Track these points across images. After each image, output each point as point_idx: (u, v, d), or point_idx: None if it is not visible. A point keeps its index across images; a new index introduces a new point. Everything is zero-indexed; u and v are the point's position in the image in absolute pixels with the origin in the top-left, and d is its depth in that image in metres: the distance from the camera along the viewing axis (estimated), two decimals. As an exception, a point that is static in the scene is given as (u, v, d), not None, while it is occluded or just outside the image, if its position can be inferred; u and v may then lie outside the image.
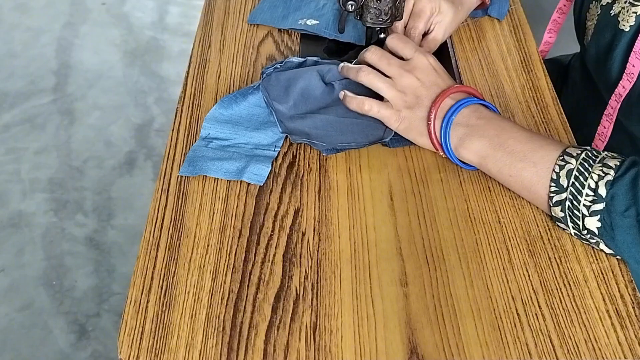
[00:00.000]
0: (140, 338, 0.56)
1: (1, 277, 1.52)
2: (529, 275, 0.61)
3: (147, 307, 0.58)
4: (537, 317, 0.58)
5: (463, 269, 0.61)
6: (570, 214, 0.61)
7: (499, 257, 0.63)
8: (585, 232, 0.61)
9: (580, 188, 0.60)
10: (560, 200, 0.61)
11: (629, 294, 0.59)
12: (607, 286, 0.60)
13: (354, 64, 0.72)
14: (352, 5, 0.74)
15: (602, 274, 0.61)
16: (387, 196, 0.68)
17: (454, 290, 0.60)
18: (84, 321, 1.45)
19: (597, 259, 0.62)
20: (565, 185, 0.61)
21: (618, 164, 0.60)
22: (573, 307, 0.59)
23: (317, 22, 0.89)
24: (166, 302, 0.58)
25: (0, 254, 1.57)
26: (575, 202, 0.60)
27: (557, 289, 0.60)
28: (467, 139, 0.66)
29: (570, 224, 0.62)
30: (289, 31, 0.89)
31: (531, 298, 0.59)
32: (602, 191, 0.59)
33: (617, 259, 0.62)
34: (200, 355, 0.55)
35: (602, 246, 0.61)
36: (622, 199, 0.58)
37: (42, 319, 1.45)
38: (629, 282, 0.60)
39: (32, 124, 1.91)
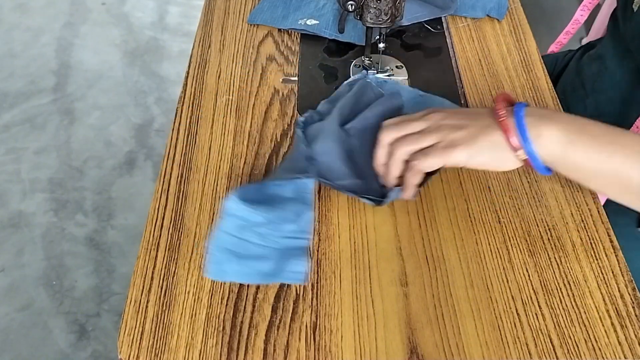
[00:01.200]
0: (140, 338, 0.56)
1: (1, 277, 1.52)
2: (529, 275, 0.61)
3: (147, 307, 0.58)
4: (537, 317, 0.58)
5: (463, 269, 0.61)
6: None
7: (499, 257, 0.63)
8: None
9: None
10: None
11: (629, 294, 0.59)
12: (607, 286, 0.60)
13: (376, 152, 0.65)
14: (352, 5, 0.74)
15: (602, 274, 0.61)
16: (387, 196, 0.68)
17: (454, 290, 0.60)
18: (84, 321, 1.45)
19: (597, 259, 0.62)
20: None
21: None
22: (573, 307, 0.59)
23: (317, 22, 0.89)
24: (166, 302, 0.58)
25: (0, 254, 1.57)
26: None
27: (557, 289, 0.60)
28: (544, 127, 0.58)
29: None
30: (289, 31, 0.89)
31: (531, 298, 0.59)
32: None
33: (617, 258, 0.62)
34: (200, 355, 0.55)
35: None
36: None
37: (42, 319, 1.45)
38: (629, 282, 0.60)
39: (32, 124, 1.91)
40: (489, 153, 0.60)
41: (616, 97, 0.85)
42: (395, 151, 0.62)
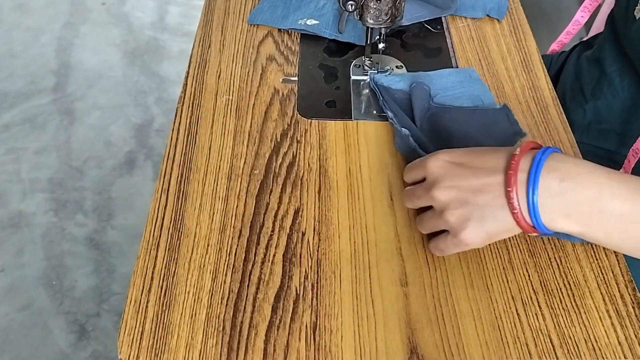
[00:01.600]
0: (140, 338, 0.56)
1: (1, 277, 1.52)
2: (529, 275, 0.61)
3: (147, 307, 0.58)
4: (537, 317, 0.58)
5: (463, 269, 0.61)
6: None
7: (499, 257, 0.63)
8: None
9: None
10: None
11: (629, 294, 0.59)
12: (607, 286, 0.60)
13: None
14: (352, 5, 0.74)
15: (602, 274, 0.61)
16: (387, 196, 0.68)
17: (454, 290, 0.60)
18: (84, 321, 1.45)
19: (597, 259, 0.62)
20: None
21: None
22: (573, 307, 0.59)
23: (317, 22, 0.89)
24: (166, 302, 0.58)
25: (0, 254, 1.57)
26: None
27: (557, 289, 0.60)
28: (559, 212, 0.54)
29: None
30: (289, 31, 0.89)
31: (531, 298, 0.59)
32: None
33: (617, 258, 0.62)
34: (200, 355, 0.55)
35: None
36: None
37: (42, 319, 1.45)
38: (629, 282, 0.60)
39: (32, 124, 1.91)
40: (505, 234, 0.58)
41: (616, 106, 0.85)
42: (419, 228, 0.63)
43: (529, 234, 0.58)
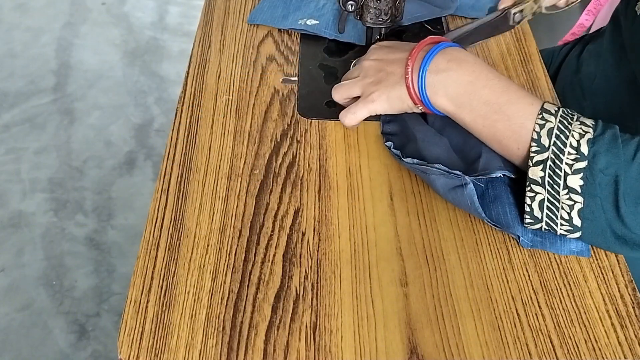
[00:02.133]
0: (140, 338, 0.56)
1: (1, 277, 1.52)
2: (529, 275, 0.61)
3: (147, 307, 0.58)
4: (537, 317, 0.58)
5: (463, 269, 0.61)
6: (552, 172, 0.59)
7: (499, 257, 0.63)
8: (566, 191, 0.59)
9: (562, 147, 0.59)
10: (542, 160, 0.60)
11: (629, 294, 0.59)
12: (607, 286, 0.60)
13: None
14: (352, 5, 0.74)
15: (602, 274, 0.61)
16: (387, 196, 0.68)
17: (454, 290, 0.60)
18: (84, 321, 1.45)
19: (597, 259, 0.62)
20: (547, 145, 0.60)
21: (594, 122, 0.60)
22: (573, 307, 0.59)
23: (317, 22, 0.89)
24: (166, 302, 0.58)
25: (0, 254, 1.57)
26: (557, 161, 0.59)
27: (557, 289, 0.60)
28: (440, 86, 0.66)
29: (547, 185, 0.60)
30: (289, 31, 0.89)
31: (531, 298, 0.59)
32: (584, 149, 0.58)
33: (617, 258, 0.62)
34: (200, 355, 0.55)
35: (574, 213, 0.59)
36: (602, 157, 0.58)
37: (42, 319, 1.45)
38: (629, 282, 0.60)
39: (32, 124, 1.91)
40: (400, 105, 0.69)
41: (612, 103, 0.85)
42: (333, 96, 0.75)
43: (418, 107, 0.68)
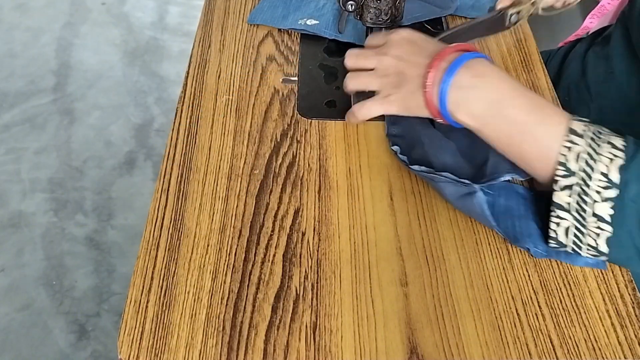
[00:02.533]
0: (140, 338, 0.56)
1: (1, 277, 1.52)
2: (529, 275, 0.61)
3: (147, 307, 0.58)
4: (537, 317, 0.58)
5: (463, 269, 0.61)
6: (579, 199, 0.56)
7: (499, 257, 0.63)
8: (594, 219, 0.56)
9: (591, 172, 0.56)
10: (569, 185, 0.57)
11: (629, 294, 0.59)
12: (607, 286, 0.60)
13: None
14: (352, 5, 0.74)
15: (602, 273, 0.61)
16: (387, 196, 0.68)
17: (454, 290, 0.60)
18: (84, 321, 1.45)
19: (597, 259, 0.62)
20: (574, 170, 0.56)
21: (625, 143, 0.57)
22: (573, 307, 0.59)
23: (317, 22, 0.89)
24: (166, 302, 0.58)
25: (0, 254, 1.57)
26: (585, 188, 0.56)
27: (557, 289, 0.60)
28: (463, 103, 0.62)
29: (573, 211, 0.57)
30: (289, 31, 0.89)
31: (531, 298, 0.59)
32: (615, 176, 0.55)
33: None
34: (200, 355, 0.55)
35: (601, 241, 0.57)
36: (634, 185, 0.55)
37: (42, 319, 1.45)
38: (629, 282, 0.60)
39: (32, 124, 1.91)
40: (418, 112, 0.66)
41: (621, 107, 0.84)
42: (346, 83, 0.71)
43: (436, 119, 0.65)
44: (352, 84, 0.70)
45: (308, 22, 0.89)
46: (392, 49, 0.67)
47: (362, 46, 0.83)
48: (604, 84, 0.87)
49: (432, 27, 0.91)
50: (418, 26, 0.91)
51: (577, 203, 0.57)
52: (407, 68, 0.65)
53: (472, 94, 0.61)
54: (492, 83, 0.62)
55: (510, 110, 0.60)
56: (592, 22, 0.95)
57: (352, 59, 0.71)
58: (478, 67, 0.62)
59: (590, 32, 0.97)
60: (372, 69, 0.69)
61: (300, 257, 0.62)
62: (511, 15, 0.81)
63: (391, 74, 0.67)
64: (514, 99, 0.61)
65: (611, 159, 0.56)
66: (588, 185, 0.56)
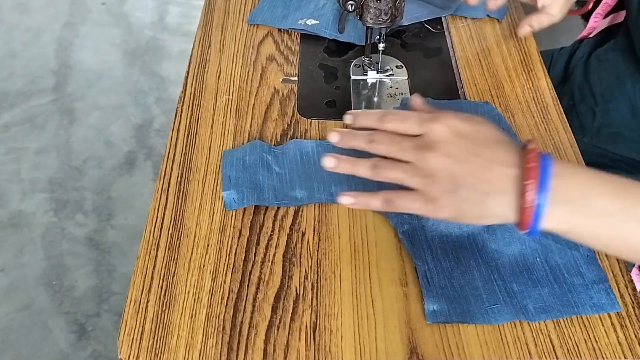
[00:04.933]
0: (140, 338, 0.56)
1: (1, 277, 1.52)
2: (529, 275, 0.61)
3: (147, 307, 0.58)
4: (537, 317, 0.58)
5: (463, 269, 0.61)
6: None
7: (499, 257, 0.62)
8: None
9: None
10: None
11: (629, 294, 0.59)
12: (607, 286, 0.60)
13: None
14: (352, 5, 0.74)
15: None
16: (387, 196, 0.68)
17: (454, 290, 0.60)
18: (84, 321, 1.45)
19: (597, 259, 0.62)
20: None
21: None
22: (573, 307, 0.58)
23: (317, 22, 0.89)
24: (166, 302, 0.58)
25: (0, 254, 1.57)
26: None
27: (557, 289, 0.60)
28: (545, 210, 0.51)
29: None
30: (289, 31, 0.89)
31: (531, 298, 0.59)
32: None
33: (617, 258, 0.62)
34: (200, 355, 0.55)
35: None
36: None
37: (42, 319, 1.45)
38: (628, 282, 0.60)
39: (32, 124, 1.91)
40: (474, 220, 0.55)
41: (627, 110, 0.84)
42: (377, 171, 0.55)
43: (520, 230, 0.52)
44: (384, 174, 0.55)
45: (308, 22, 0.89)
46: (439, 146, 0.53)
47: (362, 46, 0.83)
48: (608, 88, 0.87)
49: (432, 27, 0.91)
50: (418, 26, 0.91)
51: None
52: (465, 173, 0.52)
53: (553, 198, 0.51)
54: (569, 181, 0.52)
55: (599, 202, 0.52)
56: (597, 21, 0.95)
57: (383, 145, 0.55)
58: (562, 173, 0.52)
59: (595, 33, 0.97)
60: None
61: (300, 257, 0.62)
62: None
63: (441, 176, 0.52)
64: (598, 186, 0.53)
65: None
66: None
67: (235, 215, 0.66)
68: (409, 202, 0.54)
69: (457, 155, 0.52)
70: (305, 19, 0.90)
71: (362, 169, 0.55)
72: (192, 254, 0.62)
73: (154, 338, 0.56)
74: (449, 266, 0.61)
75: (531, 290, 0.59)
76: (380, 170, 0.55)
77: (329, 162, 0.56)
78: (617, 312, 0.58)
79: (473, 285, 0.59)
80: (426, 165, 0.53)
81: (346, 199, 0.57)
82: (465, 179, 0.52)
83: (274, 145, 0.73)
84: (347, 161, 0.56)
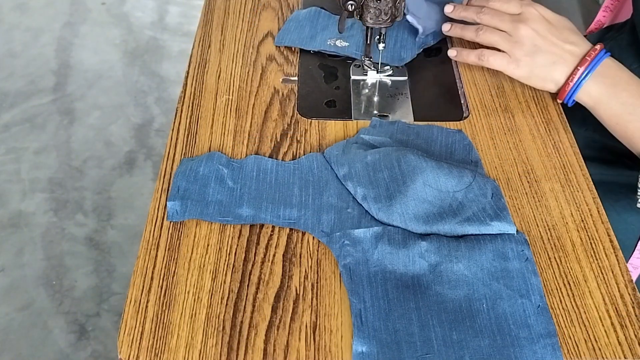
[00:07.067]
0: (140, 338, 0.56)
1: (1, 277, 1.52)
2: (529, 275, 0.61)
3: (147, 307, 0.58)
4: (537, 317, 0.58)
5: (463, 269, 0.61)
6: None
7: (499, 257, 0.62)
8: None
9: None
10: None
11: (629, 294, 0.59)
12: (607, 286, 0.60)
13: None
14: (352, 5, 0.74)
15: (602, 274, 0.61)
16: (387, 196, 0.68)
17: (454, 290, 0.60)
18: (84, 321, 1.45)
19: (597, 259, 0.62)
20: None
21: None
22: (573, 307, 0.58)
23: (347, 44, 0.86)
24: (166, 302, 0.58)
25: (0, 254, 1.57)
26: None
27: (557, 289, 0.60)
28: (585, 83, 0.73)
29: None
30: (289, 31, 0.89)
31: (531, 298, 0.59)
32: None
33: (617, 258, 0.62)
34: (200, 355, 0.55)
35: None
36: None
37: (42, 319, 1.45)
38: (628, 282, 0.60)
39: (32, 124, 1.91)
40: (540, 83, 0.76)
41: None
42: (479, 32, 0.78)
43: (558, 98, 0.76)
44: (485, 36, 0.77)
45: (338, 44, 0.86)
46: (530, 22, 0.74)
47: (364, 46, 0.83)
48: None
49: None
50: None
51: None
52: (544, 44, 0.74)
53: (594, 76, 0.73)
54: (610, 71, 0.73)
55: (624, 94, 0.72)
56: (605, 17, 0.94)
57: (487, 15, 0.77)
58: (609, 65, 0.73)
59: (603, 27, 0.97)
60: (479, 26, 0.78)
61: (300, 257, 0.62)
62: None
63: (526, 43, 0.74)
64: (629, 84, 0.72)
65: None
66: None
67: (235, 215, 0.65)
68: (498, 59, 0.76)
69: (541, 31, 0.74)
70: (334, 40, 0.87)
71: (469, 33, 0.79)
72: (192, 253, 0.62)
73: (154, 338, 0.56)
74: (387, 307, 0.57)
75: (470, 341, 0.55)
76: (483, 33, 0.77)
77: (445, 27, 0.83)
78: (617, 312, 0.58)
79: (409, 331, 0.55)
80: (517, 33, 0.75)
81: (451, 52, 0.81)
82: (543, 48, 0.74)
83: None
84: (458, 27, 0.81)
